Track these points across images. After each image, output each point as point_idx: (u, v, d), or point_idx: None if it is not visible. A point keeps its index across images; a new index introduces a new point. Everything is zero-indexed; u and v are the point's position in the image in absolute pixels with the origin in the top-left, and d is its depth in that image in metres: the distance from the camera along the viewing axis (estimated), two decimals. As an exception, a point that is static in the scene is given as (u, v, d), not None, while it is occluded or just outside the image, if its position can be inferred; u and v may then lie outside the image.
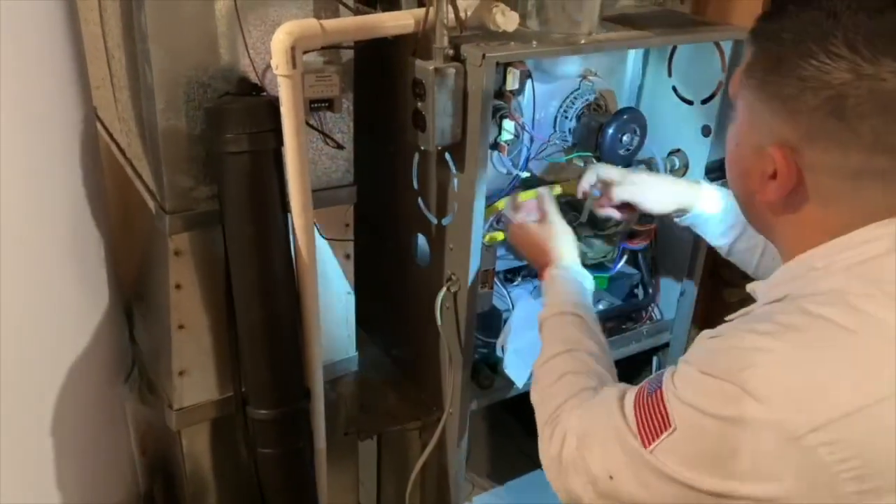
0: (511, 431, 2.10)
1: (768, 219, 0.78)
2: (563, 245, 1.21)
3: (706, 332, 0.76)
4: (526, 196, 1.31)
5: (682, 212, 1.26)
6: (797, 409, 0.64)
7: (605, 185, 1.28)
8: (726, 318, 0.78)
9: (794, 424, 0.64)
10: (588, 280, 1.18)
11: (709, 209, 1.24)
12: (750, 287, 0.83)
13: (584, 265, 1.21)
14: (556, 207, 1.26)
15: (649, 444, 0.73)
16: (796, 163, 0.71)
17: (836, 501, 0.64)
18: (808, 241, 0.74)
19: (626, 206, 1.29)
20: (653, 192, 1.26)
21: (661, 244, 1.52)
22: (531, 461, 1.99)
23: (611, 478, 0.78)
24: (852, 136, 0.67)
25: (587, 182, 1.29)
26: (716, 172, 1.37)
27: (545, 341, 1.08)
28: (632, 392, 0.80)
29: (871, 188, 0.70)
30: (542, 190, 1.30)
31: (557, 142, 1.37)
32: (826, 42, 0.66)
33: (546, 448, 0.90)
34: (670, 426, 0.71)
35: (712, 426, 0.68)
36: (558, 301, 1.12)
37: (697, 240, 1.39)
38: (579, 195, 1.31)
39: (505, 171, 1.34)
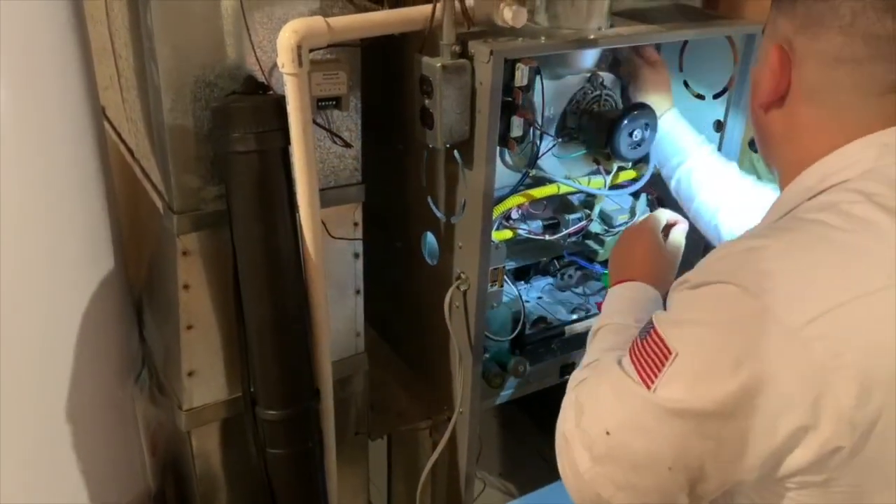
0: (524, 429, 2.10)
1: (765, 125, 0.82)
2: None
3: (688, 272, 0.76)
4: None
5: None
6: (793, 300, 0.66)
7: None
8: None
9: (792, 316, 0.65)
10: None
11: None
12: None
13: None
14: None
15: (651, 383, 0.71)
16: (790, 59, 0.77)
17: (838, 421, 0.64)
18: (801, 150, 0.77)
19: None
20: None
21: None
22: (543, 459, 2.00)
23: (607, 433, 0.74)
24: (834, 17, 0.72)
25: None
26: None
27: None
28: (626, 350, 0.78)
29: (847, 78, 0.73)
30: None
31: (567, 138, 1.36)
32: None
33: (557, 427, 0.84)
34: (670, 353, 0.70)
35: (713, 334, 0.69)
36: (632, 309, 1.02)
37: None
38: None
39: (514, 167, 1.33)
